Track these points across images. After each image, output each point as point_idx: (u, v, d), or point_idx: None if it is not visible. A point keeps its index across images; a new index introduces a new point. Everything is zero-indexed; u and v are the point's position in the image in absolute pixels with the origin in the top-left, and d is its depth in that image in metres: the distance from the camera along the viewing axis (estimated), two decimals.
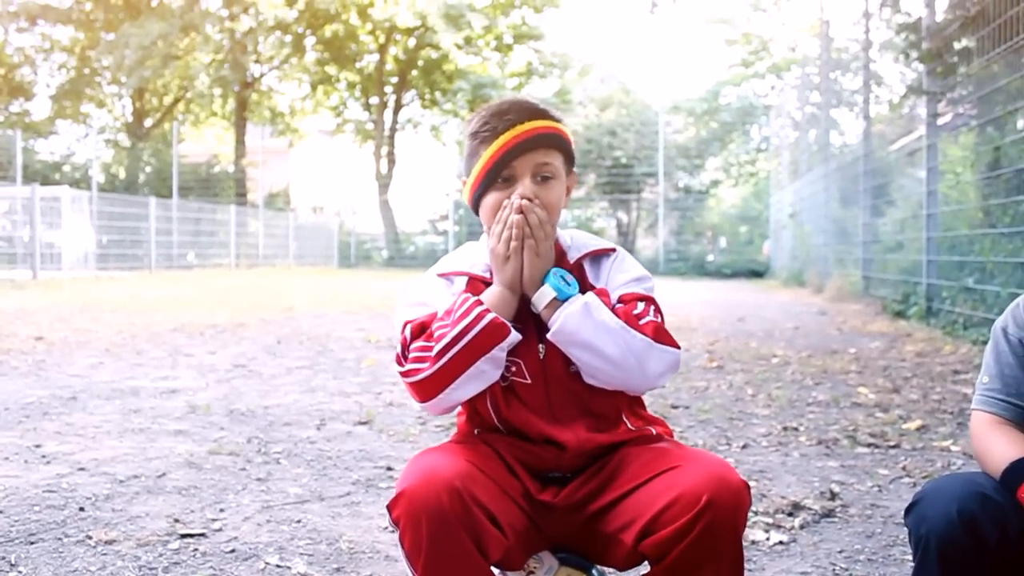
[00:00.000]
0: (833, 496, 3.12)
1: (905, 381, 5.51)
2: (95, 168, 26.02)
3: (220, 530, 2.70)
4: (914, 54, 10.32)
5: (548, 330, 1.67)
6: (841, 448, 3.87)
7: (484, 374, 1.66)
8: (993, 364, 1.70)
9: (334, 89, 33.11)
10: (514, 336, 1.66)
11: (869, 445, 3.92)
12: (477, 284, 1.75)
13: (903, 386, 5.32)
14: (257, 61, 30.44)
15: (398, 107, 32.31)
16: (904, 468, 3.54)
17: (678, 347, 1.70)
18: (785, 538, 2.71)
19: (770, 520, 2.87)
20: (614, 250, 1.82)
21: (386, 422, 4.32)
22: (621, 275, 1.78)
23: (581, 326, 1.63)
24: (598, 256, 1.80)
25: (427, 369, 1.64)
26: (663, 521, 1.53)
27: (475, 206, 1.79)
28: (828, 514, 2.95)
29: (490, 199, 1.74)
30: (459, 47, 28.90)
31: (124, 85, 29.13)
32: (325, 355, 6.79)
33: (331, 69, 31.94)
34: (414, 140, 34.86)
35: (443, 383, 1.64)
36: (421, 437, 4.00)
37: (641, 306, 1.70)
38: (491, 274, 1.74)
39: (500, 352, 1.65)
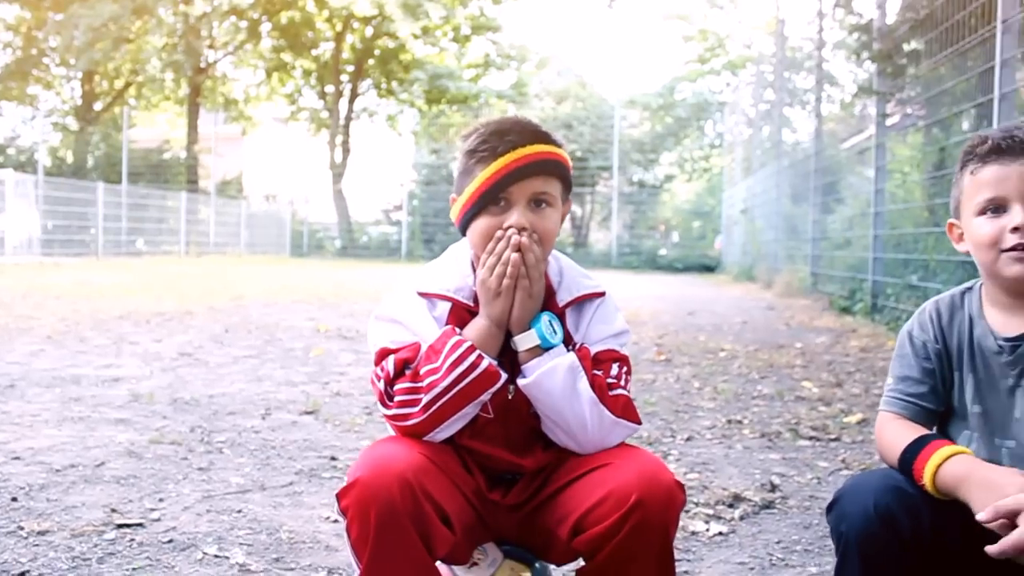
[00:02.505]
0: (773, 488, 3.16)
1: (848, 376, 5.60)
2: (42, 152, 25.45)
3: (158, 520, 2.66)
4: (865, 55, 10.48)
5: (522, 372, 1.64)
6: (783, 441, 3.92)
7: (467, 416, 1.64)
8: (898, 367, 1.74)
9: (289, 76, 32.75)
10: (504, 378, 1.63)
11: (811, 438, 3.98)
12: (461, 313, 1.68)
13: (846, 380, 5.40)
14: (211, 46, 29.99)
15: (354, 96, 32.05)
16: (843, 461, 3.60)
17: (639, 422, 1.69)
18: (725, 529, 2.74)
19: (711, 511, 2.90)
20: (602, 294, 1.76)
21: (332, 412, 4.29)
22: (602, 327, 1.73)
23: (556, 388, 1.61)
24: (583, 301, 1.74)
25: (417, 416, 1.59)
26: (593, 518, 1.53)
27: (463, 227, 1.70)
28: (768, 505, 2.99)
29: (481, 223, 1.65)
30: (416, 37, 28.73)
31: (73, 67, 28.54)
32: (273, 344, 6.73)
33: (287, 56, 31.59)
34: (369, 130, 34.63)
35: (430, 429, 1.61)
36: (367, 427, 3.98)
37: (615, 370, 1.68)
38: (475, 301, 1.67)
39: (487, 396, 1.62)
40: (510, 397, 1.67)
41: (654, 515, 1.50)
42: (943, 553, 1.53)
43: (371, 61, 31.86)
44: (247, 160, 36.87)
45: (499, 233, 1.62)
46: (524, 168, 1.62)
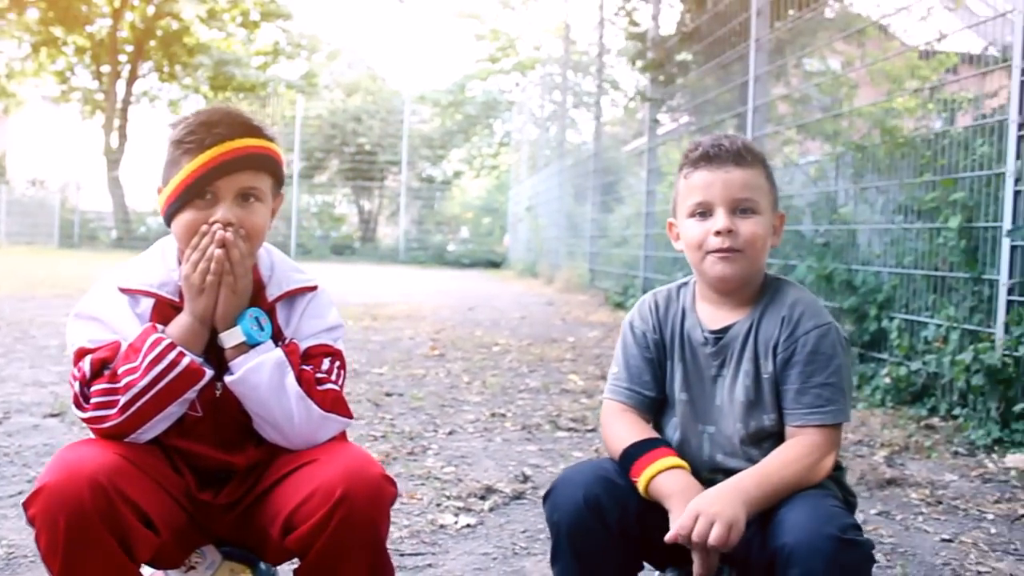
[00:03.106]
0: (525, 479, 3.26)
1: None
2: None
3: None
4: (640, 63, 10.98)
5: (229, 369, 1.61)
6: (542, 433, 4.05)
7: (173, 415, 1.59)
8: (621, 356, 1.84)
9: (60, 53, 30.51)
10: (208, 375, 1.59)
11: (569, 429, 4.13)
12: (166, 309, 1.63)
13: None
14: None
15: (132, 78, 30.28)
16: (597, 451, 3.76)
17: (351, 416, 1.69)
18: (473, 521, 2.80)
19: (461, 504, 2.95)
20: (314, 288, 1.75)
21: None
22: (315, 321, 1.72)
23: (262, 384, 1.58)
24: (295, 295, 1.72)
25: (114, 419, 1.53)
26: (301, 515, 1.53)
27: (168, 220, 1.65)
28: (518, 496, 3.07)
29: (186, 217, 1.61)
30: (202, 20, 27.54)
31: None
32: (24, 342, 6.27)
33: (57, 30, 29.46)
34: (150, 115, 32.87)
35: (131, 430, 1.56)
36: None
37: (326, 364, 1.68)
38: (181, 297, 1.62)
39: (192, 394, 1.59)
40: (218, 395, 1.64)
41: (361, 509, 1.50)
42: (649, 540, 1.63)
43: (152, 42, 30.22)
44: (10, 141, 34.17)
45: (204, 228, 1.58)
46: (232, 162, 1.59)
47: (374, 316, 8.57)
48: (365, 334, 7.22)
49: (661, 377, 1.80)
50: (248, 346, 1.61)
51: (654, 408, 1.81)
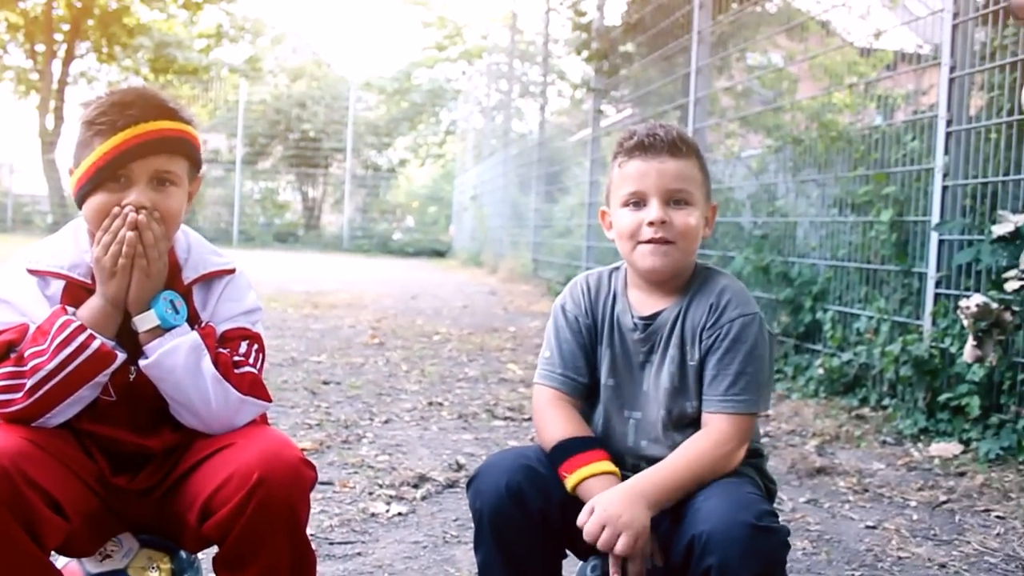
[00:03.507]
0: (459, 467, 3.25)
1: None
2: None
3: None
4: (585, 53, 11.01)
5: (143, 354, 1.58)
6: (479, 422, 4.05)
7: (84, 399, 1.55)
8: (553, 340, 1.81)
9: None
10: (121, 359, 1.55)
11: (506, 419, 4.13)
12: (77, 291, 1.59)
13: None
14: None
15: (69, 58, 29.56)
16: (532, 439, 3.76)
17: (270, 400, 1.67)
18: (405, 509, 2.79)
19: (394, 493, 2.94)
20: (232, 271, 1.72)
21: None
22: (232, 305, 1.70)
23: (177, 368, 1.55)
24: (212, 278, 1.70)
25: (20, 402, 1.49)
26: (219, 500, 1.50)
27: (80, 202, 1.61)
28: (452, 485, 3.07)
29: (98, 200, 1.57)
30: (142, 0, 26.98)
31: None
32: None
33: None
34: (89, 96, 32.12)
35: (38, 414, 1.52)
36: None
37: (244, 347, 1.65)
38: (93, 279, 1.59)
39: (104, 378, 1.55)
40: (132, 379, 1.61)
41: (278, 493, 1.49)
42: (571, 530, 1.63)
43: (90, 21, 29.53)
44: None
45: (115, 210, 1.55)
46: (145, 145, 1.56)
47: (315, 304, 8.49)
48: (305, 322, 7.15)
49: (593, 362, 1.79)
50: (163, 330, 1.58)
51: (586, 394, 1.80)
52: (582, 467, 1.64)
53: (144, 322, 1.58)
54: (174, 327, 1.58)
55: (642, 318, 1.75)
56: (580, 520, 1.55)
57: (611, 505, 1.53)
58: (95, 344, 1.51)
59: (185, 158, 1.62)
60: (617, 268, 1.83)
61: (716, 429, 1.64)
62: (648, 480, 1.59)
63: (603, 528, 1.51)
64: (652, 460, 1.65)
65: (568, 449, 1.67)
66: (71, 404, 1.54)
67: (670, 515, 1.59)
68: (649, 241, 1.68)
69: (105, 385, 1.58)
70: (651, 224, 1.68)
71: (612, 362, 1.76)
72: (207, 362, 1.57)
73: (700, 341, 1.69)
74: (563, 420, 1.73)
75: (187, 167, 1.64)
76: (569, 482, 1.64)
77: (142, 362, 1.58)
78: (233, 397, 1.59)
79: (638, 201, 1.70)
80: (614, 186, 1.76)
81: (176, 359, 1.55)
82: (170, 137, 1.58)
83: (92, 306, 1.56)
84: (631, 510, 1.52)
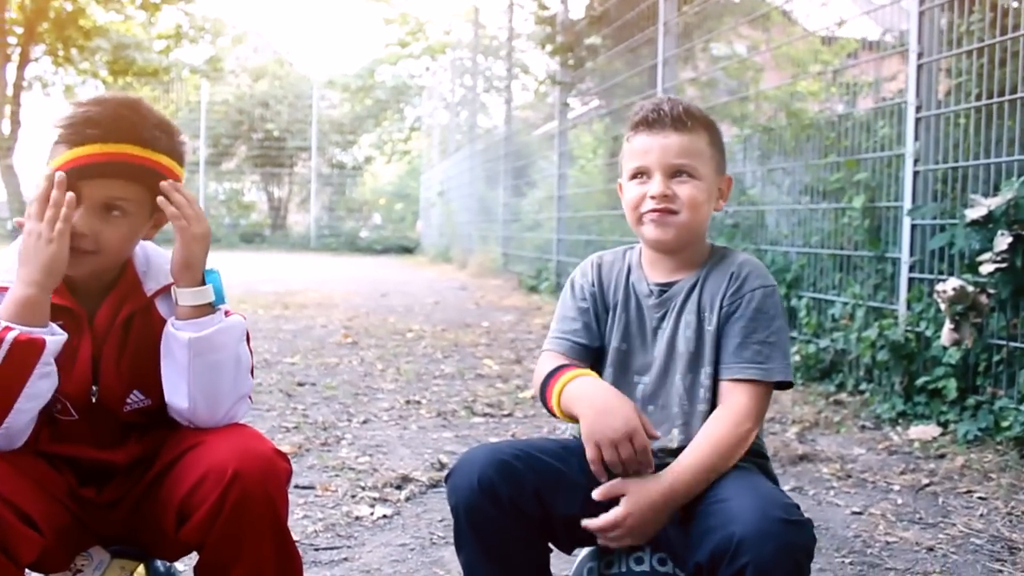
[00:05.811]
0: (442, 467, 3.21)
1: (528, 352, 5.84)
2: None
3: None
4: (549, 46, 10.98)
5: (100, 365, 1.53)
6: (458, 419, 4.02)
7: (40, 394, 1.44)
8: (560, 309, 1.85)
9: None
10: (58, 339, 1.44)
11: (485, 415, 4.11)
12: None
13: (526, 357, 5.63)
14: None
15: (24, 62, 29.07)
16: (513, 435, 3.74)
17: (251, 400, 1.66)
18: (389, 511, 2.75)
19: (377, 495, 2.90)
20: None
21: None
22: None
23: (228, 346, 1.53)
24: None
25: None
26: (195, 501, 1.46)
27: None
28: (435, 485, 3.03)
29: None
30: (98, 1, 26.58)
31: None
32: None
33: None
34: (45, 101, 31.64)
35: None
36: None
37: None
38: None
39: (47, 366, 1.43)
40: (94, 401, 1.55)
41: (255, 486, 1.45)
42: (550, 521, 1.63)
43: (45, 24, 29.05)
44: None
45: (47, 174, 1.45)
46: (97, 167, 1.47)
47: (285, 304, 8.40)
48: (276, 323, 7.07)
49: (597, 328, 1.79)
50: (212, 307, 1.54)
51: (589, 357, 1.79)
52: (558, 381, 1.67)
53: (199, 296, 1.52)
54: (221, 305, 1.55)
55: (658, 284, 1.77)
56: (597, 495, 1.57)
57: (644, 510, 1.56)
58: (10, 336, 1.38)
59: (146, 188, 1.53)
60: (631, 247, 1.86)
61: (735, 403, 1.64)
62: (679, 483, 1.58)
63: (615, 528, 1.55)
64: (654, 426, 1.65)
65: (547, 380, 1.70)
66: (22, 412, 1.43)
67: (679, 512, 1.58)
68: (651, 211, 1.70)
69: (65, 405, 1.53)
70: (653, 198, 1.69)
71: (625, 327, 1.78)
72: (245, 348, 1.56)
73: (721, 308, 1.70)
74: (550, 364, 1.75)
75: (147, 196, 1.53)
76: (554, 403, 1.67)
77: (191, 334, 1.50)
78: (246, 389, 1.58)
79: (643, 175, 1.73)
80: (624, 161, 1.79)
81: (229, 338, 1.53)
82: (129, 163, 1.49)
83: (14, 295, 1.43)
84: (655, 522, 1.56)
